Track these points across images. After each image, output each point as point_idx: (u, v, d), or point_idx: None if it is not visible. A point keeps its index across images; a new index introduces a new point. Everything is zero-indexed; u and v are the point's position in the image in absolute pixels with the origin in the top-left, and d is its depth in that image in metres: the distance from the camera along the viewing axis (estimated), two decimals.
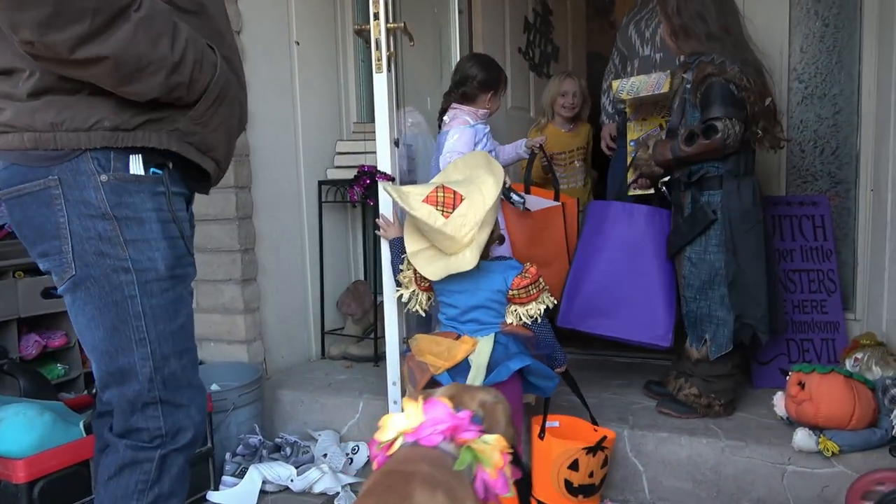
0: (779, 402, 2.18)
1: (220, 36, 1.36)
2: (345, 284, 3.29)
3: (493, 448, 1.11)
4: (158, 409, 1.34)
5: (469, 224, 1.87)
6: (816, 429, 2.01)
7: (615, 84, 2.50)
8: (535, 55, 3.70)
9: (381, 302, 2.56)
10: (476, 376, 1.88)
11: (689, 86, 2.18)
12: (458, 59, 3.21)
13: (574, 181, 3.33)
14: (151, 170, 1.28)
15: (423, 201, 1.89)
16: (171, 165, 1.32)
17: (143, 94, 1.21)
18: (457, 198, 1.90)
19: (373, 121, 2.25)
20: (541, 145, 2.71)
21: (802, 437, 2.00)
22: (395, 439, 1.12)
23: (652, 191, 2.43)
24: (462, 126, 2.50)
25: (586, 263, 2.35)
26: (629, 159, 2.60)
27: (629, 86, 2.46)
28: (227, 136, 1.39)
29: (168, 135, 1.27)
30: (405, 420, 1.13)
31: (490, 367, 1.90)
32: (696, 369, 2.27)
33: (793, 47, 2.77)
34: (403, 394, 2.27)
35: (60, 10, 1.08)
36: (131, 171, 1.26)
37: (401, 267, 2.11)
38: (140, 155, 1.26)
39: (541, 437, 2.05)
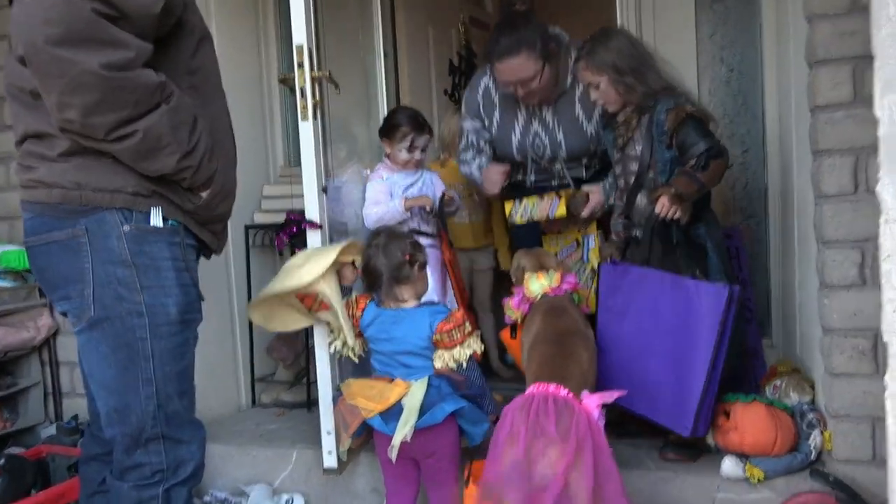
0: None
1: (221, 118, 1.54)
2: None
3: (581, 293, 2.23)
4: (161, 444, 1.40)
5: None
6: (743, 456, 2.08)
7: (507, 206, 2.49)
8: (460, 96, 3.77)
9: (313, 346, 2.51)
10: (408, 418, 1.86)
11: (665, 127, 2.11)
12: (385, 100, 3.25)
13: (476, 216, 3.21)
14: (169, 222, 1.40)
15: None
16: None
17: (156, 171, 1.34)
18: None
19: (300, 164, 2.23)
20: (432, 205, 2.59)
21: (730, 465, 2.07)
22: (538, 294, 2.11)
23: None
24: (375, 179, 2.55)
25: (609, 332, 2.21)
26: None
27: (521, 209, 2.47)
28: (222, 218, 1.57)
29: (175, 207, 1.41)
30: (547, 283, 2.11)
31: (423, 410, 1.89)
32: None
33: (701, 90, 2.93)
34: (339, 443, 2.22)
35: (107, 98, 1.21)
36: (151, 223, 1.37)
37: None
38: (160, 208, 1.38)
39: (465, 483, 2.01)
